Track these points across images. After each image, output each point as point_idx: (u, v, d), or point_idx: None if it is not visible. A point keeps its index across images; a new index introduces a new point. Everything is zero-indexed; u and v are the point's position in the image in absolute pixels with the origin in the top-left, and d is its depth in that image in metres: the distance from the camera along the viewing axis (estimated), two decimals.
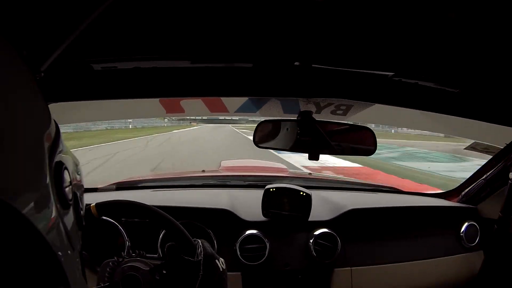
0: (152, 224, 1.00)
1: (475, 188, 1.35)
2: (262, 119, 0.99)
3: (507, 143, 1.15)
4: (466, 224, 1.29)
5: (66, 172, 0.30)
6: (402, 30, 0.52)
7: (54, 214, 0.27)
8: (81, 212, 0.36)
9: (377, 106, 1.08)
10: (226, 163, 2.18)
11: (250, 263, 1.03)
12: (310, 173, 1.93)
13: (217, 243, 1.06)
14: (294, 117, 0.93)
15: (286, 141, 0.93)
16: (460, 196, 1.41)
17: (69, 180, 0.31)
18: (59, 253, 0.26)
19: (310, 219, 1.11)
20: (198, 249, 0.65)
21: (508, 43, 0.52)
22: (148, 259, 0.64)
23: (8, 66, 0.25)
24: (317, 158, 0.90)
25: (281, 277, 1.08)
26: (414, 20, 0.49)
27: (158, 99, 1.25)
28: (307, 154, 0.91)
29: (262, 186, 1.15)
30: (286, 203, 1.10)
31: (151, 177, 1.43)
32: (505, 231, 1.15)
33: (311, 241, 1.08)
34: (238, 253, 1.03)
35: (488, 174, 1.28)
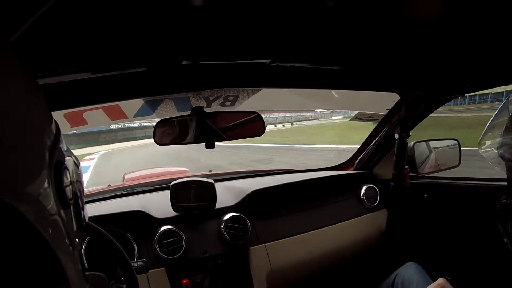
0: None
1: (366, 154, 1.53)
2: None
3: (388, 108, 1.33)
4: (364, 187, 1.46)
5: (66, 172, 0.30)
6: (277, 20, 0.57)
7: (54, 213, 0.27)
8: (82, 212, 0.36)
9: (263, 93, 1.25)
10: (129, 175, 2.19)
11: (170, 256, 1.08)
12: (210, 170, 2.08)
13: (136, 245, 1.08)
14: (187, 114, 1.02)
15: (184, 136, 1.02)
16: (355, 165, 1.62)
17: (69, 179, 0.31)
18: (59, 252, 0.26)
19: (217, 206, 1.21)
20: None
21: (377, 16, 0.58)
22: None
23: (10, 67, 0.25)
24: (213, 146, 1.01)
25: (202, 264, 1.15)
26: (286, 11, 0.53)
27: (62, 113, 1.19)
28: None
29: (168, 187, 1.20)
30: (193, 194, 1.19)
31: None
32: (400, 185, 1.33)
33: (222, 226, 1.18)
34: (158, 249, 1.07)
35: (376, 139, 1.46)
